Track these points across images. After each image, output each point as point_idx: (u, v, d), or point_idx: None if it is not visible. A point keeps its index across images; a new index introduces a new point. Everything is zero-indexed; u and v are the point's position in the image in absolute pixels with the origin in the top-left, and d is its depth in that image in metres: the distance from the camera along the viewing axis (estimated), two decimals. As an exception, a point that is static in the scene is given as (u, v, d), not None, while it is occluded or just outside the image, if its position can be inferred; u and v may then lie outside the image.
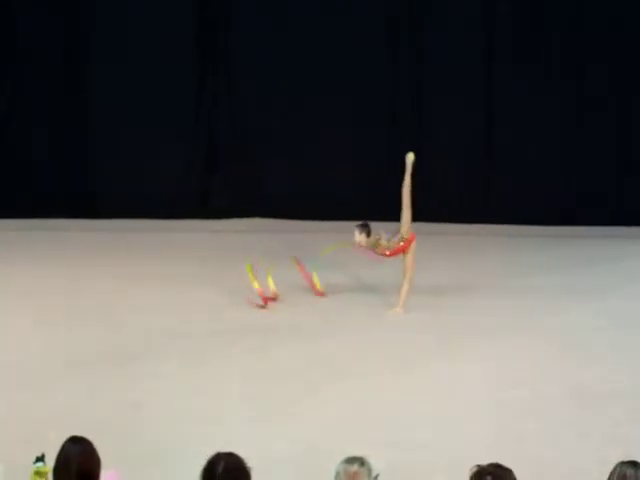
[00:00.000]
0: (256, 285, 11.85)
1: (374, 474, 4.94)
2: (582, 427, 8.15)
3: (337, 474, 4.91)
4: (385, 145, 16.86)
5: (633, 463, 4.88)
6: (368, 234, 11.54)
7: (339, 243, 12.37)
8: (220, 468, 4.71)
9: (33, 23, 16.98)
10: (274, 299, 11.91)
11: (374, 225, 11.79)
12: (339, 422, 8.17)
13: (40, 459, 5.35)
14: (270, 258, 14.13)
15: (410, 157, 12.10)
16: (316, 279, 12.26)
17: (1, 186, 16.91)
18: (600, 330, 10.85)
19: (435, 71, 16.83)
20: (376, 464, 4.97)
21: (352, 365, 9.58)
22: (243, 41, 17.03)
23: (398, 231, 11.63)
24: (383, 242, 11.58)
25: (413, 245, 11.58)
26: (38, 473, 5.31)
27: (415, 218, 12.10)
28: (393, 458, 7.23)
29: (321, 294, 12.16)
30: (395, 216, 16.59)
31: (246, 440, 7.35)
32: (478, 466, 4.74)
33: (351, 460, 4.95)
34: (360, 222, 11.73)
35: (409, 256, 11.54)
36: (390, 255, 11.67)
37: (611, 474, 4.88)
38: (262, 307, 11.62)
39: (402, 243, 11.55)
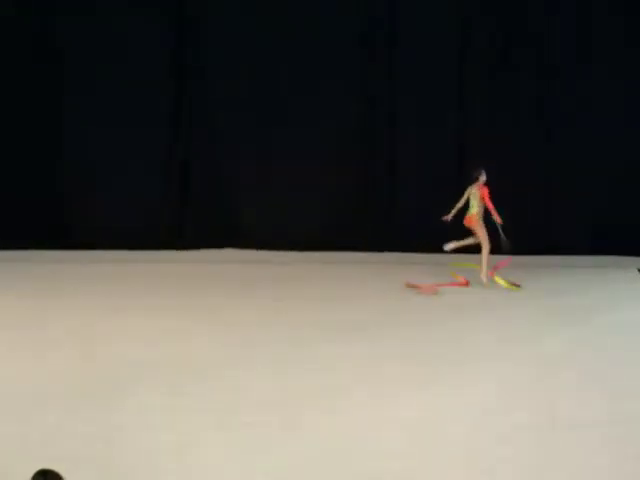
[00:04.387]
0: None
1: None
2: (556, 456, 8.08)
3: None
4: (355, 178, 16.86)
5: None
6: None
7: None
8: None
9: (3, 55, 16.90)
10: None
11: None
12: (315, 454, 8.06)
13: (9, 493, 5.22)
14: (244, 287, 14.11)
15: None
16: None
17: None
18: (574, 357, 10.82)
19: (408, 103, 16.87)
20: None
21: (328, 395, 9.48)
22: (218, 74, 17.01)
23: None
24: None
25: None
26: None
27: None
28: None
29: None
30: (367, 246, 16.58)
31: (221, 473, 7.25)
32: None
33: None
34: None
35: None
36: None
37: None
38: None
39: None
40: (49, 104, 16.96)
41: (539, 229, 16.60)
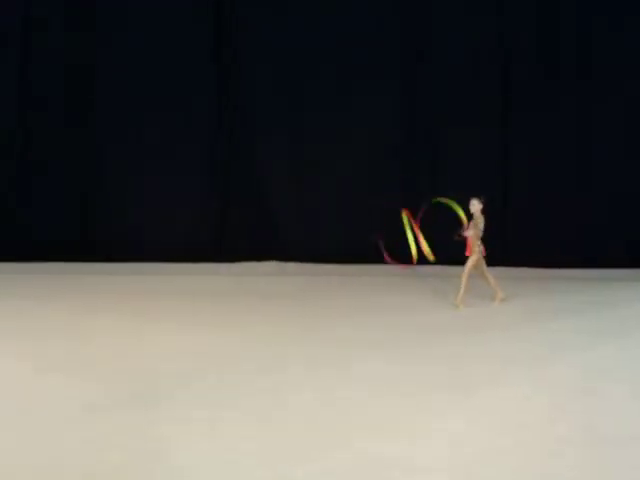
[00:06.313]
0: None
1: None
2: (597, 471, 8.02)
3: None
4: (396, 192, 16.86)
5: None
6: (483, 207, 13.46)
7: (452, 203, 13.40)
8: None
9: (41, 72, 17.06)
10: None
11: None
12: (356, 466, 8.03)
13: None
14: (288, 300, 14.11)
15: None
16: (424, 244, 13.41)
17: (7, 231, 16.96)
18: (612, 373, 10.74)
19: (451, 121, 16.87)
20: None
21: (366, 408, 9.45)
22: (259, 88, 17.08)
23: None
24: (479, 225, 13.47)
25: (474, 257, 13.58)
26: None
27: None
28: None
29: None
30: (404, 259, 16.51)
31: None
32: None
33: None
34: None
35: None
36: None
37: None
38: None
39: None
40: (85, 120, 17.13)
41: (576, 242, 16.55)
